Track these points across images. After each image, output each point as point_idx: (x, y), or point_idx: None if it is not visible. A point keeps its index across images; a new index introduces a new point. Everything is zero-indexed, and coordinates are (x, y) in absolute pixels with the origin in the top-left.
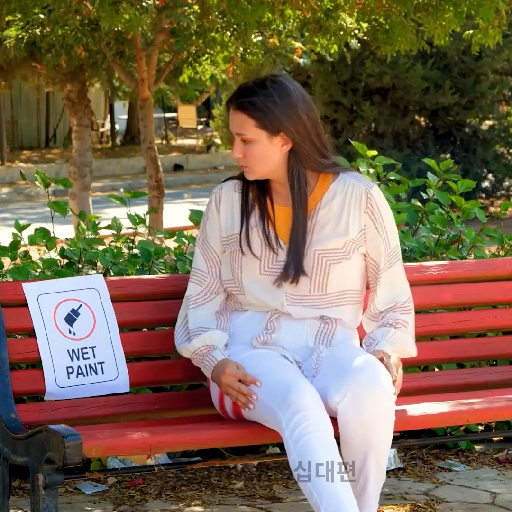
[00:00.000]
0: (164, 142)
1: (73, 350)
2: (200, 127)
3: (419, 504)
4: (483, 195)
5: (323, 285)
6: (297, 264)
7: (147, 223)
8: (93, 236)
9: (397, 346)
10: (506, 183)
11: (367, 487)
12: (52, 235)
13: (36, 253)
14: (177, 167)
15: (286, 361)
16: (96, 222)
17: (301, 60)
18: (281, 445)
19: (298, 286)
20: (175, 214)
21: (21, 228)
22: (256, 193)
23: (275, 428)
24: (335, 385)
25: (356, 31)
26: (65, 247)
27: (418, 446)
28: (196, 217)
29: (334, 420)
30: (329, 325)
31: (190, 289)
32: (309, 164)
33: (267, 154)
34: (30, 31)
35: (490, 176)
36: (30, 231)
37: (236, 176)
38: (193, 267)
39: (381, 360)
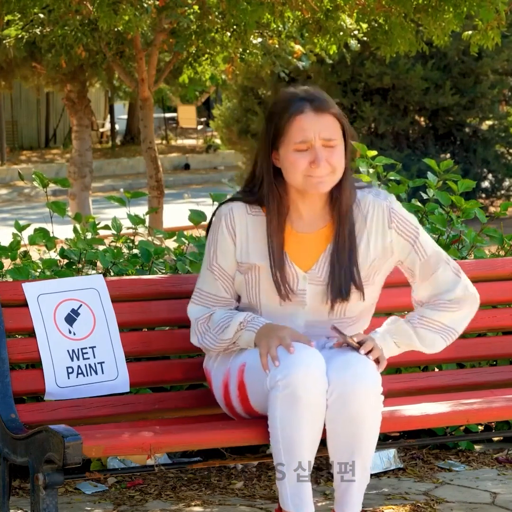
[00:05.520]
0: (164, 142)
1: (73, 350)
2: (200, 127)
3: (419, 504)
4: (483, 195)
5: (343, 311)
6: (347, 283)
7: (147, 223)
8: (92, 236)
9: (398, 338)
10: (506, 183)
11: (351, 487)
12: (51, 235)
13: (36, 253)
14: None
15: None
16: (96, 222)
17: (300, 64)
18: None
19: (317, 312)
20: (175, 214)
21: (21, 228)
22: (274, 219)
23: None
24: None
25: (356, 32)
26: (65, 247)
27: (418, 446)
28: (196, 217)
29: None
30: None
31: (192, 312)
32: (348, 182)
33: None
34: (30, 31)
35: (490, 176)
36: (30, 231)
37: (241, 198)
38: (199, 288)
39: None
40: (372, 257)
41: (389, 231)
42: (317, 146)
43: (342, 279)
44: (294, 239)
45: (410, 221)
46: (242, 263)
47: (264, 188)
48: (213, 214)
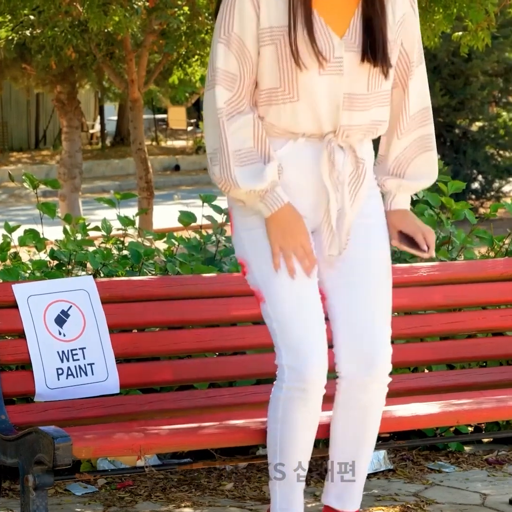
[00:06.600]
0: (154, 143)
1: (63, 352)
2: (189, 128)
3: (409, 505)
4: (473, 197)
5: (379, 82)
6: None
7: (137, 225)
8: (82, 237)
9: (413, 191)
10: (496, 185)
11: (353, 487)
12: (41, 236)
13: (26, 255)
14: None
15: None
16: (86, 224)
17: None
18: None
19: (355, 82)
20: (165, 215)
21: (11, 230)
22: None
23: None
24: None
25: None
26: (55, 248)
27: (408, 447)
28: (186, 218)
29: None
30: (362, 167)
31: (219, 96)
32: None
33: None
34: (20, 32)
35: (480, 177)
36: (20, 232)
37: None
38: (217, 67)
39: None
40: (395, 24)
41: (405, 2)
42: None
43: (378, 42)
44: (321, 1)
45: None
46: (267, 29)
47: None
48: None
